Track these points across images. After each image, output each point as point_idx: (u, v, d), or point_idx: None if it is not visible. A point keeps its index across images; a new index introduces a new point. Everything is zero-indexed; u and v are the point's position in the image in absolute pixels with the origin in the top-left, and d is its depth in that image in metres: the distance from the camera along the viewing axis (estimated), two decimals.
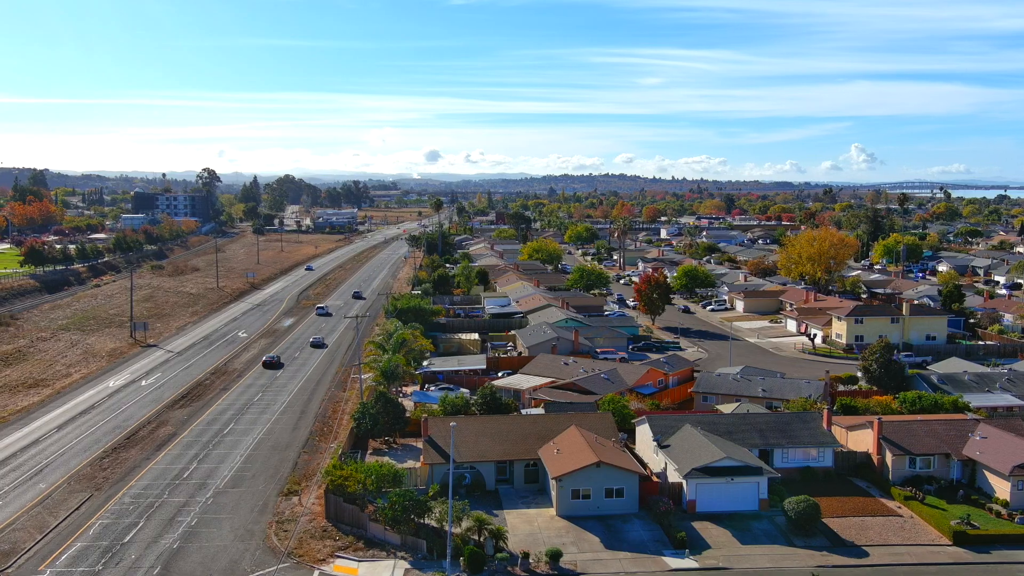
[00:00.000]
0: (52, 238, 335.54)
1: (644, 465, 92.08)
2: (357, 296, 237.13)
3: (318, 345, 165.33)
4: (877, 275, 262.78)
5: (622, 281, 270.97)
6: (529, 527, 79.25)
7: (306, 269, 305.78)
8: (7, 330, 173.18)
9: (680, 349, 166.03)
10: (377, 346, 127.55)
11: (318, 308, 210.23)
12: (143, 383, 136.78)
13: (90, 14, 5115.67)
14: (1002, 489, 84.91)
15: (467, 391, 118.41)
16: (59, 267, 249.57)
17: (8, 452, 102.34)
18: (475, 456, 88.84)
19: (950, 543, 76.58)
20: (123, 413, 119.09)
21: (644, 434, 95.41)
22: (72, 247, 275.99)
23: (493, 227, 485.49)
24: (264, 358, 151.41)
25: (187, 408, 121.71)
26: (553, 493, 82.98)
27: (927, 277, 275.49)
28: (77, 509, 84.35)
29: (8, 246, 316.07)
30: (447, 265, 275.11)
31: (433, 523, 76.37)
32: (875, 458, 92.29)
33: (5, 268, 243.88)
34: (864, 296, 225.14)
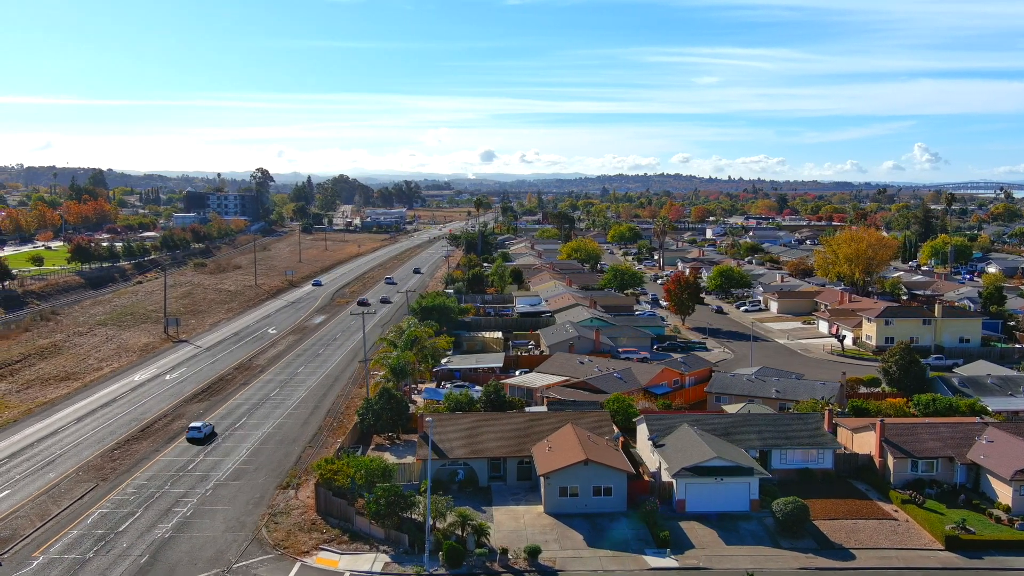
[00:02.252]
0: (104, 236, 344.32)
1: (638, 464, 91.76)
2: (417, 271, 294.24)
3: (386, 301, 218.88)
4: (920, 276, 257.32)
5: (659, 281, 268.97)
6: (515, 524, 79.42)
7: (313, 284, 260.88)
8: (47, 325, 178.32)
9: (706, 349, 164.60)
10: (389, 343, 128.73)
11: (386, 278, 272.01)
12: (167, 377, 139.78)
13: (157, 18, 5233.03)
14: (1004, 494, 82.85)
15: (480, 389, 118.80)
16: (105, 264, 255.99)
17: (26, 442, 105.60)
18: (469, 452, 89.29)
19: (942, 548, 74.98)
20: (142, 406, 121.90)
21: (643, 433, 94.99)
22: (119, 245, 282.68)
23: (539, 227, 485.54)
24: (358, 299, 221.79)
25: (205, 402, 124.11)
26: (542, 490, 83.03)
27: (974, 279, 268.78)
28: (80, 498, 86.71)
29: (61, 243, 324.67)
30: (484, 264, 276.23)
31: (418, 518, 76.97)
32: (877, 461, 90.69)
33: (53, 265, 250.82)
34: (904, 297, 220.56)
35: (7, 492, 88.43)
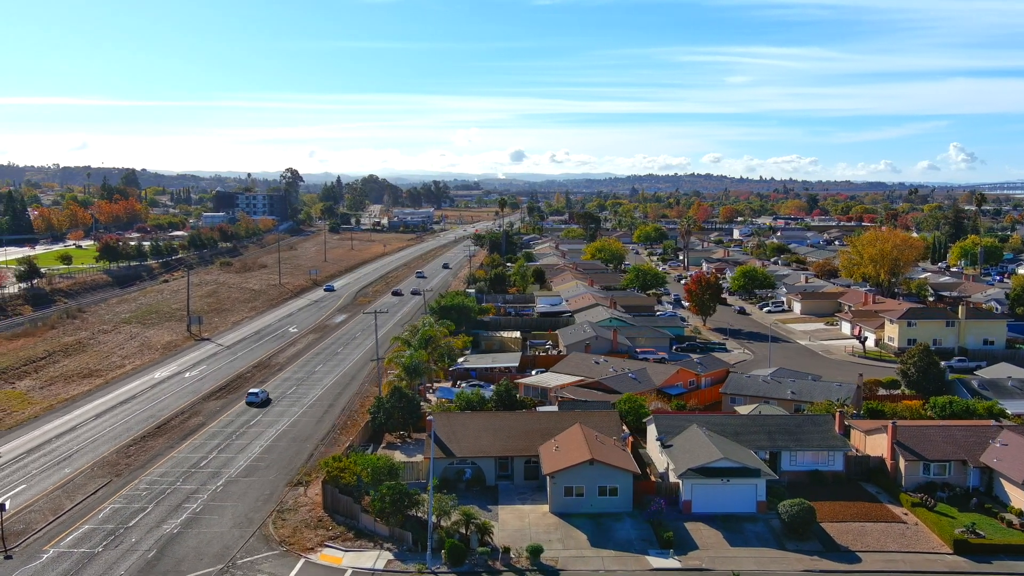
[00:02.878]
0: (134, 235, 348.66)
1: (647, 465, 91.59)
2: (446, 267, 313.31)
3: (416, 293, 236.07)
4: (947, 277, 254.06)
5: (683, 282, 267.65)
6: (520, 523, 79.51)
7: (325, 290, 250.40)
8: (72, 322, 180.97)
9: (726, 350, 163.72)
10: (403, 342, 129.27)
11: (417, 272, 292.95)
12: (187, 375, 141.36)
13: (191, 20, 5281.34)
14: (1017, 498, 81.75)
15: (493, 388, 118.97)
16: (133, 263, 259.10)
17: (45, 438, 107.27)
18: (476, 451, 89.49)
19: (950, 552, 74.07)
20: (160, 403, 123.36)
21: (652, 434, 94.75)
22: (147, 244, 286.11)
23: (564, 227, 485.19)
24: (392, 290, 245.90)
25: (222, 400, 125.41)
26: (548, 490, 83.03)
27: (1004, 280, 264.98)
28: (94, 494, 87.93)
29: (91, 242, 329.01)
30: (507, 264, 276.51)
31: (423, 516, 77.22)
32: (888, 463, 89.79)
33: (82, 264, 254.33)
34: (931, 299, 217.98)
35: (23, 487, 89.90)
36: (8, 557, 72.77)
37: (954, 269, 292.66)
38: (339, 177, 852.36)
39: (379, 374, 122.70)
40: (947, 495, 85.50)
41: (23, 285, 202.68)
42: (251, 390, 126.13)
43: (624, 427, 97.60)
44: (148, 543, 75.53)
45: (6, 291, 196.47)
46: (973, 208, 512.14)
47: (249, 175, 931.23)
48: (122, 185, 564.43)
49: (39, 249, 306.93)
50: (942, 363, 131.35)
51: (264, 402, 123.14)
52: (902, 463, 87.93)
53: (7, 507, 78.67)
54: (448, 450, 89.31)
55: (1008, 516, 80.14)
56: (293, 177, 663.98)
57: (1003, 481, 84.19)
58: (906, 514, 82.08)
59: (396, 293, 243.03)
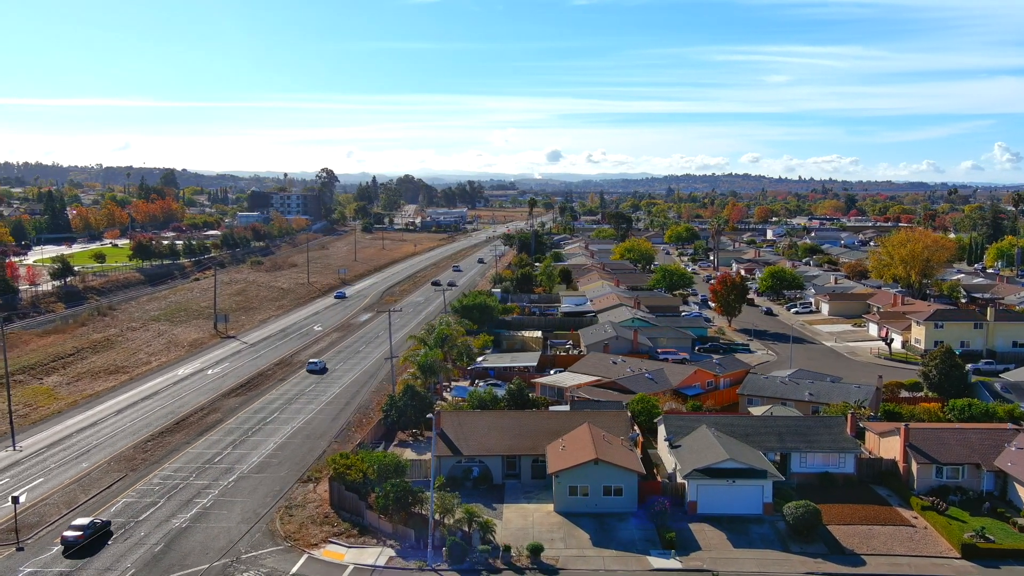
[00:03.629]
0: (169, 234, 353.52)
1: (655, 465, 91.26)
2: (480, 261, 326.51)
3: (452, 285, 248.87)
4: (980, 279, 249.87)
5: (710, 282, 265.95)
6: (523, 522, 79.63)
7: (335, 296, 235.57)
8: (102, 320, 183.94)
9: (749, 351, 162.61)
10: (419, 340, 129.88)
11: (454, 266, 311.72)
12: (209, 372, 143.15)
13: (232, 23, 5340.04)
14: None
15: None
16: (166, 262, 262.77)
17: (66, 433, 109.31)
18: (483, 450, 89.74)
19: (958, 556, 73.00)
20: (181, 400, 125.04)
21: (662, 434, 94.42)
22: (180, 243, 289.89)
23: (596, 227, 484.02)
24: (432, 280, 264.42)
25: (241, 397, 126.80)
26: (553, 489, 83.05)
27: None
28: (108, 488, 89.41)
29: (127, 241, 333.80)
30: (535, 264, 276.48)
31: (426, 513, 77.57)
32: (901, 466, 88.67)
33: (116, 262, 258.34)
34: (963, 300, 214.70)
35: (40, 480, 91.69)
36: (20, 549, 74.20)
37: (990, 271, 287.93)
38: (374, 177, 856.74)
39: (392, 372, 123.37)
40: (959, 499, 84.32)
41: (56, 283, 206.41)
42: (311, 359, 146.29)
43: (635, 427, 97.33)
44: (156, 537, 76.66)
45: (40, 288, 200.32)
46: (1013, 208, 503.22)
47: (286, 175, 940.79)
48: (160, 185, 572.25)
49: (75, 248, 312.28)
50: (968, 366, 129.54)
51: (322, 370, 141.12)
52: (914, 466, 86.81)
53: (22, 500, 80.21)
54: (456, 448, 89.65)
55: (1020, 520, 78.89)
56: (328, 177, 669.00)
57: (1017, 485, 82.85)
58: (915, 517, 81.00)
59: (435, 283, 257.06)
